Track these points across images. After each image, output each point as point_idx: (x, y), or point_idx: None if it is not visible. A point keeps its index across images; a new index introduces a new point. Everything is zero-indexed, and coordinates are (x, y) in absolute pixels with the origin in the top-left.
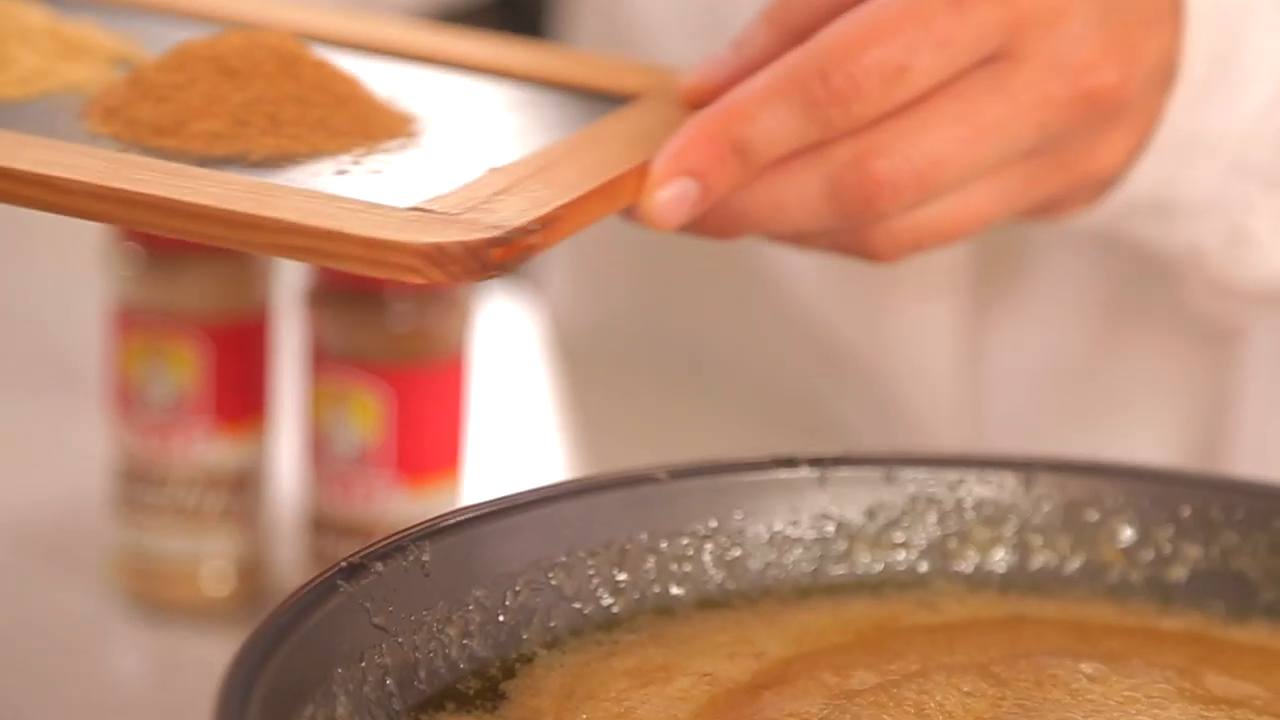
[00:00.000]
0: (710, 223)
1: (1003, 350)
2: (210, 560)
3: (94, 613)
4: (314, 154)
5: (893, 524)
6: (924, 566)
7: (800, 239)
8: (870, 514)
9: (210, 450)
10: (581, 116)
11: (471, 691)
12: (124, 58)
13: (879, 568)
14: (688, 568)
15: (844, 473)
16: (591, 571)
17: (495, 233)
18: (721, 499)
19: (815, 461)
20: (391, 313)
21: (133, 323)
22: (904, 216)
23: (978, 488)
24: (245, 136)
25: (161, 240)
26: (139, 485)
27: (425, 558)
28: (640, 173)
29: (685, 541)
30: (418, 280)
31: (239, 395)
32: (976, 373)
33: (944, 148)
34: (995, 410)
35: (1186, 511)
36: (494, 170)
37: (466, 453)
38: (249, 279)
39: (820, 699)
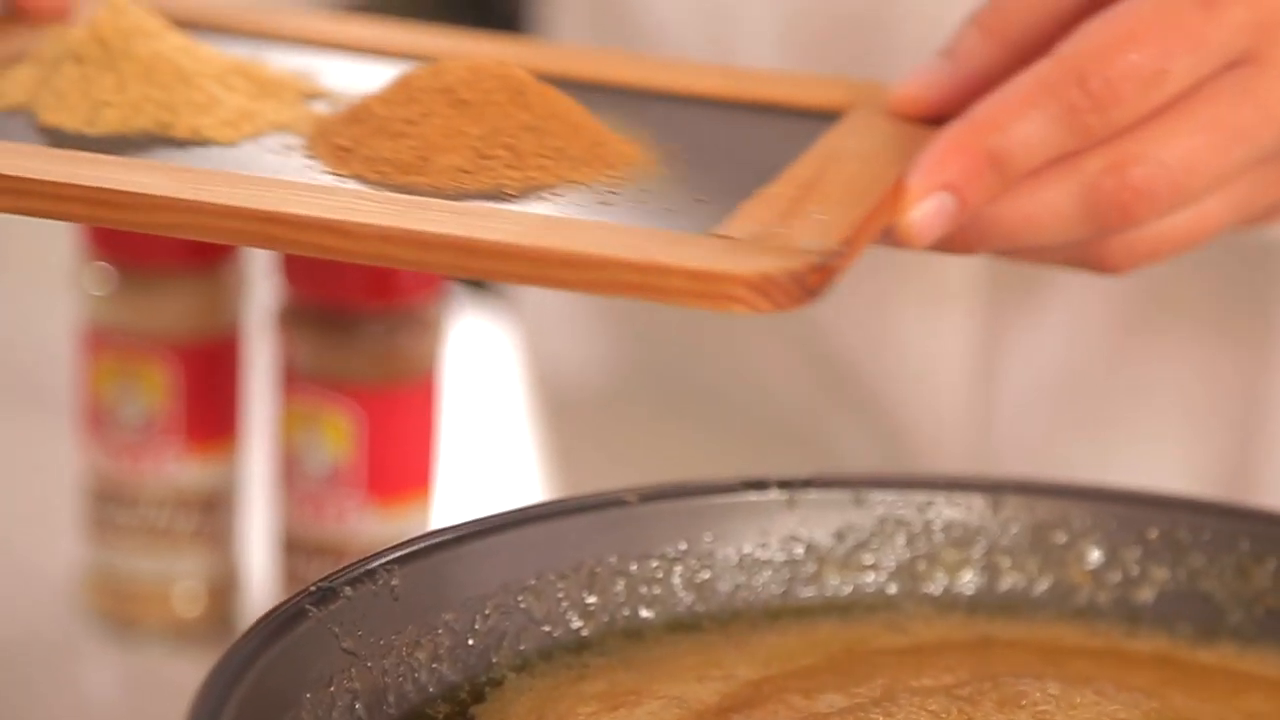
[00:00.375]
0: (958, 238)
1: (1017, 364)
2: (182, 580)
3: (65, 633)
4: (563, 184)
5: (861, 546)
6: (893, 588)
7: (1040, 253)
8: (839, 536)
9: (181, 470)
10: (799, 135)
11: (440, 715)
12: (313, 92)
13: (848, 590)
14: (657, 590)
15: (813, 495)
16: (561, 594)
17: (814, 259)
18: (691, 522)
19: (784, 484)
20: (362, 333)
21: (103, 343)
22: (1147, 226)
23: (946, 510)
24: (492, 170)
25: (132, 260)
26: (110, 505)
27: (395, 582)
28: (897, 189)
29: (655, 564)
30: (740, 309)
31: (210, 415)
32: (989, 390)
33: (1197, 154)
34: (1008, 430)
35: (1154, 533)
36: (763, 194)
37: (439, 472)
38: (220, 299)
39: None
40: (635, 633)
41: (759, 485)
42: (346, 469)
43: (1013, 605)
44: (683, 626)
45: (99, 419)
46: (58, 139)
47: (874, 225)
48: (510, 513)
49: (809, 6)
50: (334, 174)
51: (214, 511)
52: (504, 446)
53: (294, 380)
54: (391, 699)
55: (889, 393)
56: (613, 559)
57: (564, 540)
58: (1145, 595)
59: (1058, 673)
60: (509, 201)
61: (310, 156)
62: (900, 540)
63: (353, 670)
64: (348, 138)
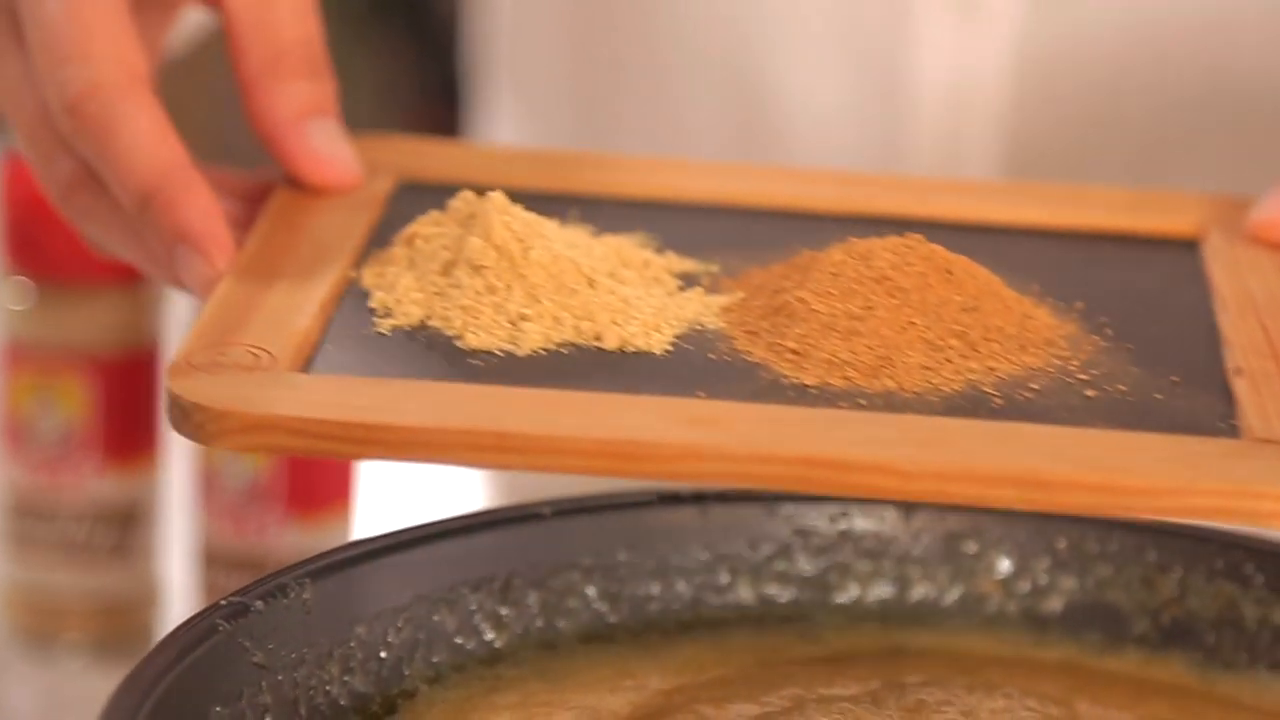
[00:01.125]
0: None
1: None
2: (101, 595)
3: None
4: (1025, 372)
5: (774, 557)
6: (805, 599)
7: None
8: (752, 547)
9: (100, 485)
10: (1182, 272)
11: None
12: (679, 270)
13: (761, 600)
14: (571, 602)
15: (726, 507)
16: (474, 607)
17: None
18: (605, 534)
19: (698, 497)
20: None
21: (22, 357)
22: None
23: (858, 520)
24: (951, 364)
25: (51, 274)
26: (29, 520)
27: (306, 595)
28: None
29: (568, 576)
30: None
31: (129, 430)
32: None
33: None
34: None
35: (1062, 544)
36: (1239, 373)
37: (360, 486)
38: (138, 313)
39: None
40: (549, 644)
41: (672, 499)
42: (266, 483)
43: (923, 615)
44: (596, 638)
45: (17, 434)
46: (490, 363)
47: None
48: (423, 526)
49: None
50: (799, 383)
51: (133, 526)
52: None
53: None
54: (303, 711)
55: None
56: (527, 571)
57: (478, 553)
58: (1054, 605)
59: (967, 681)
60: (993, 402)
61: (753, 360)
62: (812, 551)
63: (263, 683)
64: (794, 339)
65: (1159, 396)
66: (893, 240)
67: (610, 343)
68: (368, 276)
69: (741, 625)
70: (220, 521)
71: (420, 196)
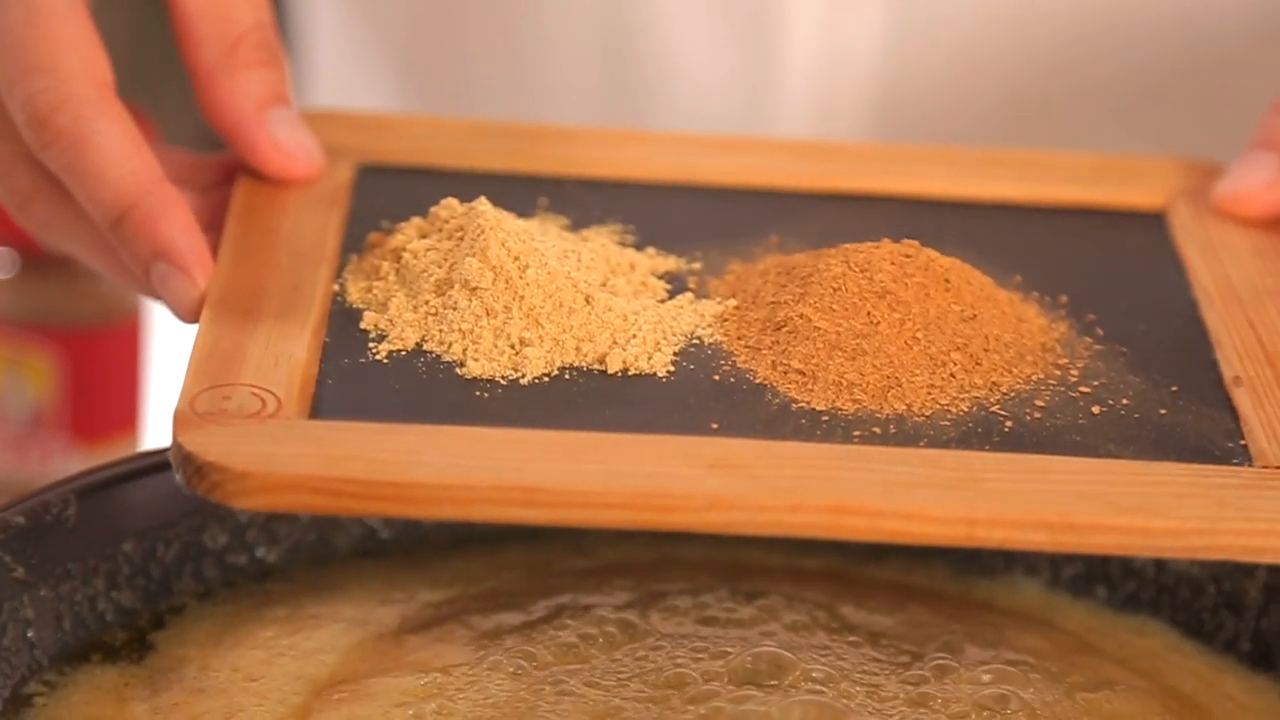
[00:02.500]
0: None
1: None
2: None
3: None
4: (1029, 387)
5: None
6: None
7: None
8: None
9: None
10: (1160, 256)
11: (118, 643)
12: (663, 273)
13: None
14: (344, 518)
15: None
16: (246, 523)
17: None
18: None
19: None
20: (62, 274)
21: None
22: None
23: None
24: (955, 380)
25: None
26: None
27: (70, 512)
28: None
29: None
30: None
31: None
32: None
33: None
34: None
35: None
36: (1239, 383)
37: (148, 413)
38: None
39: (464, 641)
40: (321, 559)
41: None
42: (49, 412)
43: None
44: (369, 553)
45: None
46: (495, 395)
47: None
48: None
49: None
50: (809, 408)
51: None
52: None
53: None
54: (67, 626)
55: None
56: None
57: None
58: None
59: (730, 588)
60: (1004, 425)
61: (758, 381)
62: None
63: (25, 598)
64: (799, 359)
65: (1163, 412)
66: (890, 249)
67: (613, 366)
68: (353, 292)
69: (516, 539)
70: (3, 451)
71: (384, 183)
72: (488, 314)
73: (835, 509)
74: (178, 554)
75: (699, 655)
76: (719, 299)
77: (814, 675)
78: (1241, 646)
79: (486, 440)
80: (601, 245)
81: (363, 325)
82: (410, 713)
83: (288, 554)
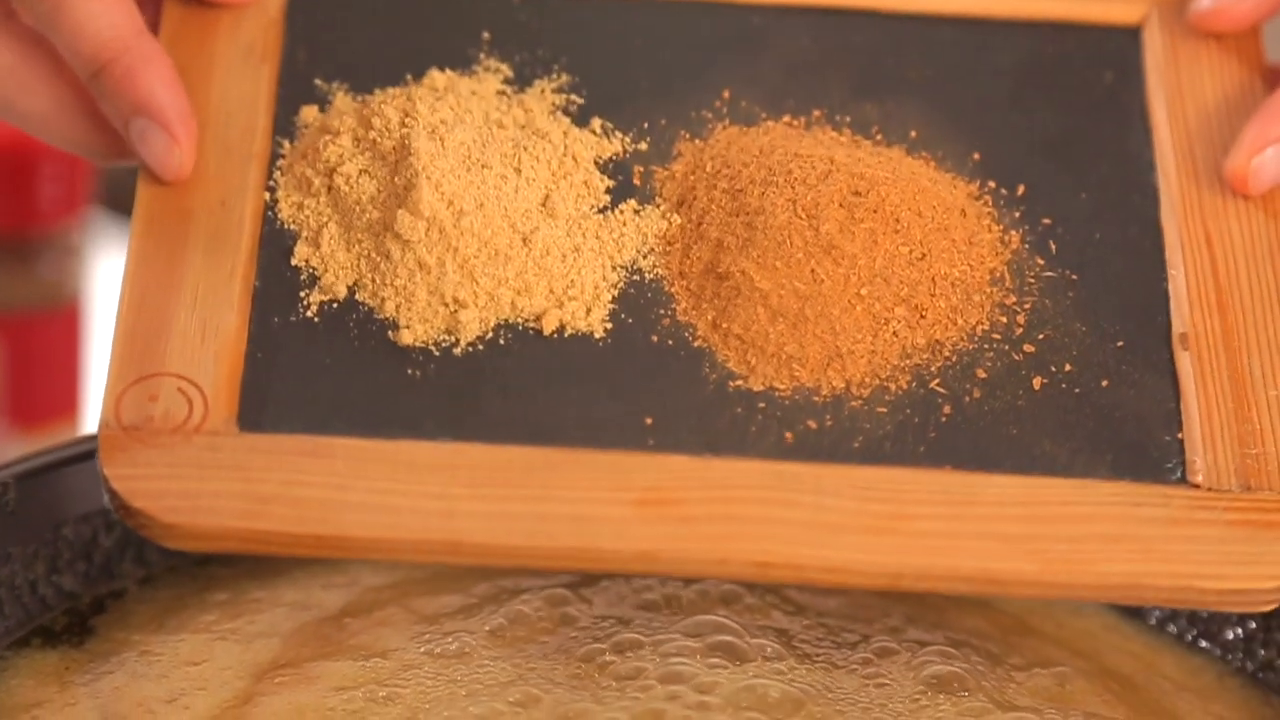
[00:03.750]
0: None
1: None
2: None
3: None
4: (968, 347)
5: None
6: None
7: None
8: None
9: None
10: (1128, 121)
11: (59, 627)
12: (607, 158)
13: None
14: None
15: None
16: None
17: None
18: None
19: None
20: (2, 264)
21: None
22: None
23: None
24: (900, 340)
25: None
26: None
27: (10, 496)
28: None
29: None
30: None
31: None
32: None
33: None
34: None
35: None
36: (1184, 343)
37: (86, 396)
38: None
39: (405, 624)
40: None
41: None
42: None
43: None
44: None
45: None
46: (428, 371)
47: None
48: None
49: None
50: (746, 389)
51: None
52: None
53: None
54: (8, 610)
55: None
56: None
57: None
58: None
59: None
60: (942, 412)
61: (696, 345)
62: None
63: None
64: (740, 325)
65: (1105, 384)
66: (840, 187)
67: (549, 326)
68: (284, 207)
69: None
70: None
71: (314, 16)
72: (420, 268)
73: (762, 564)
74: (119, 538)
75: (640, 637)
76: (663, 207)
77: (767, 653)
78: (1178, 625)
79: (416, 467)
80: (544, 137)
81: (294, 261)
82: (351, 696)
83: None
